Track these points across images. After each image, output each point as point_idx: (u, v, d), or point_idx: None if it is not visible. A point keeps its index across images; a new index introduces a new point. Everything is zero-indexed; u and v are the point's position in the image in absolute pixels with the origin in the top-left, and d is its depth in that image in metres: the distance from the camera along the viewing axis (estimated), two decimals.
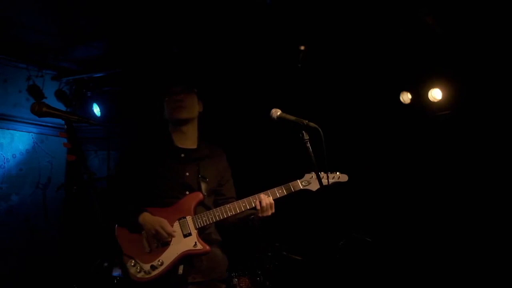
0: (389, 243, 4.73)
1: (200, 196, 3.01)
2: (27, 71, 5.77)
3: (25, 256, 5.94)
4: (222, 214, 2.95)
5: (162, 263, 2.85)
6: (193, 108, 3.14)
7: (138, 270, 2.83)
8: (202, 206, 3.04)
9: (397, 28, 4.12)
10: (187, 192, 3.02)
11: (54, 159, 6.41)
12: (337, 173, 3.11)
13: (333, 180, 3.05)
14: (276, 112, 2.70)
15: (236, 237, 3.42)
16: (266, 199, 2.93)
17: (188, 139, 3.16)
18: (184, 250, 2.89)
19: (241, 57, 4.87)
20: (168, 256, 2.87)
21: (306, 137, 2.56)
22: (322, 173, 2.70)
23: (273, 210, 2.96)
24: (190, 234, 2.91)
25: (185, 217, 2.94)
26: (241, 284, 4.12)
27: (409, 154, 4.84)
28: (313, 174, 3.02)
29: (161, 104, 3.19)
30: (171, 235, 2.88)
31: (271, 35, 4.42)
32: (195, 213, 2.97)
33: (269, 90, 4.90)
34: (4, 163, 5.95)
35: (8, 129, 6.02)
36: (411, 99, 4.70)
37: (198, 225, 2.93)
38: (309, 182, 3.03)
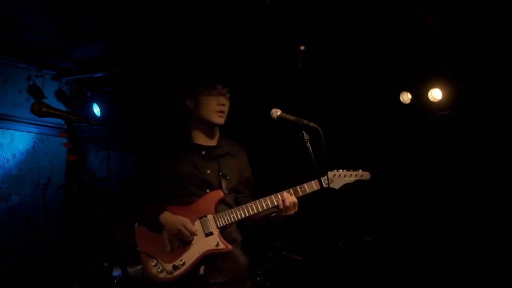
0: (389, 243, 4.73)
1: (221, 194, 2.94)
2: (27, 71, 5.77)
3: (25, 256, 5.94)
4: (244, 213, 2.89)
5: (184, 263, 2.81)
6: None
7: (160, 270, 2.80)
8: (223, 204, 2.97)
9: (397, 28, 4.11)
10: (208, 190, 2.95)
11: (54, 159, 6.41)
12: (360, 170, 3.05)
13: (355, 178, 3.01)
14: (276, 112, 2.69)
15: (256, 236, 3.32)
16: (290, 197, 2.87)
17: (210, 137, 3.08)
18: (206, 249, 2.84)
19: (241, 57, 4.86)
20: (190, 256, 2.82)
21: (306, 137, 2.54)
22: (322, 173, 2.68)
23: (296, 209, 2.90)
24: (211, 234, 2.86)
25: (206, 216, 2.89)
26: None
27: (409, 154, 4.84)
28: (336, 172, 2.98)
29: (193, 96, 3.01)
30: (193, 234, 2.83)
31: (271, 35, 4.41)
32: (216, 211, 2.91)
33: (269, 90, 4.90)
34: (4, 163, 5.95)
35: (8, 129, 6.01)
36: (411, 99, 4.69)
37: (220, 224, 2.88)
38: (332, 180, 2.96)
